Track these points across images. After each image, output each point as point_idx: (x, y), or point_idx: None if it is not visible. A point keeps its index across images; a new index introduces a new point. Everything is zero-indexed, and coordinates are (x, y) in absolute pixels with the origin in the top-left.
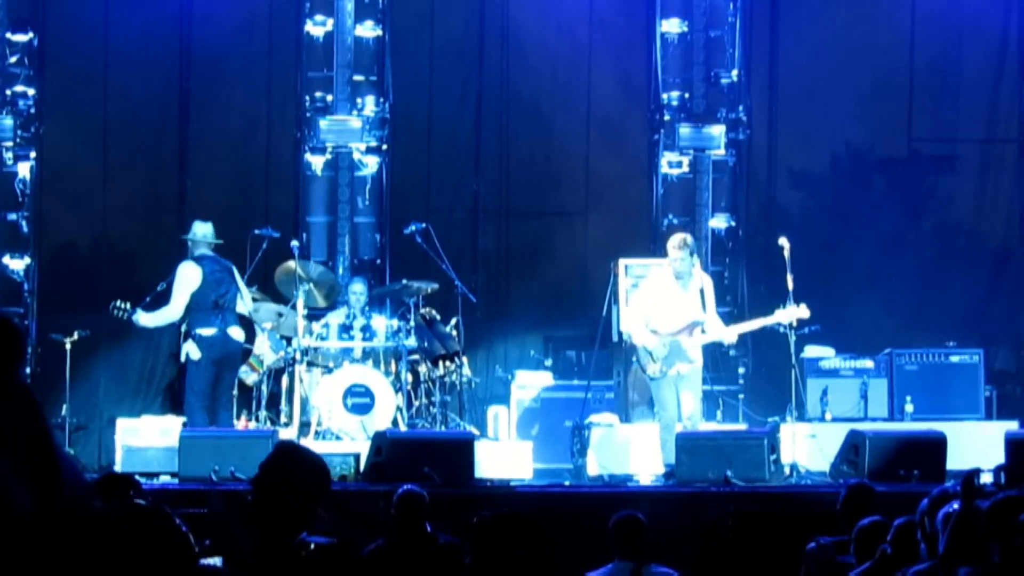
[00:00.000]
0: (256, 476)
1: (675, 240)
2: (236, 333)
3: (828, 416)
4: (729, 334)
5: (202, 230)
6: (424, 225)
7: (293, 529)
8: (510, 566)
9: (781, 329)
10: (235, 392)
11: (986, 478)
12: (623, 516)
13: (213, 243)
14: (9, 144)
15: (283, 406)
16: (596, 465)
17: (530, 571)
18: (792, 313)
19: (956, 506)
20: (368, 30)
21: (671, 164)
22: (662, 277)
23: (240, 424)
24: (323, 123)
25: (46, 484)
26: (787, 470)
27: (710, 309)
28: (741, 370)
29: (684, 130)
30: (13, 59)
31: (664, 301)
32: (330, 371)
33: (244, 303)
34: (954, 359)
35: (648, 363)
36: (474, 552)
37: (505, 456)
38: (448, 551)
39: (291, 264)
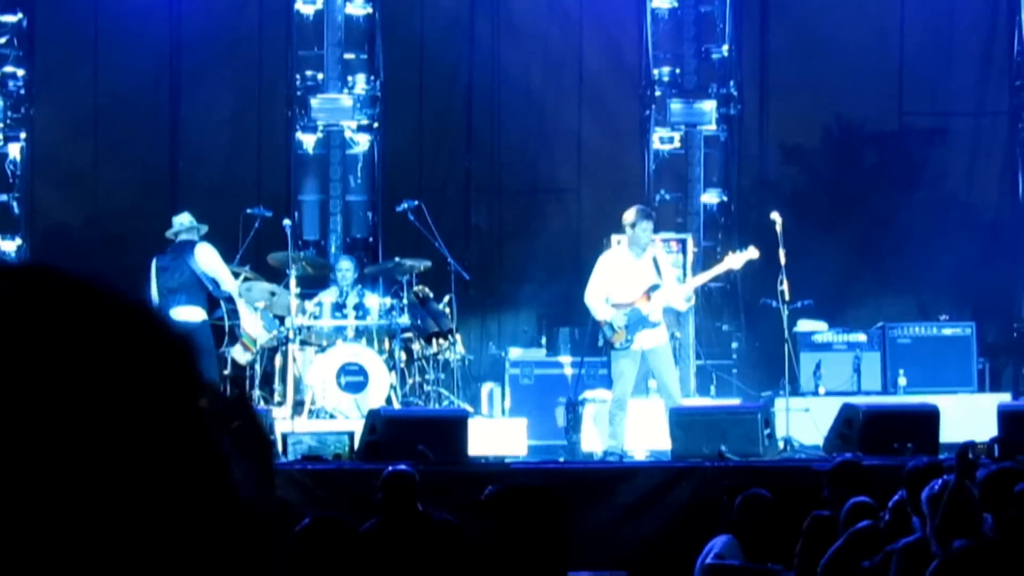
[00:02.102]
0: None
1: (636, 211)
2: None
3: (822, 390)
4: (685, 289)
5: (185, 220)
6: (416, 203)
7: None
8: (534, 539)
9: (774, 304)
10: (227, 371)
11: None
12: (751, 494)
13: (195, 228)
14: (0, 126)
15: (277, 385)
16: (590, 441)
17: (553, 543)
18: (742, 257)
19: (944, 480)
20: (358, 8)
21: (663, 140)
22: (616, 252)
23: None
24: (314, 102)
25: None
26: (781, 444)
27: (669, 274)
28: (734, 345)
29: (675, 106)
30: (2, 40)
31: (620, 274)
32: (323, 350)
33: (225, 283)
34: (947, 332)
35: (612, 334)
36: (497, 528)
37: (499, 433)
38: (443, 529)
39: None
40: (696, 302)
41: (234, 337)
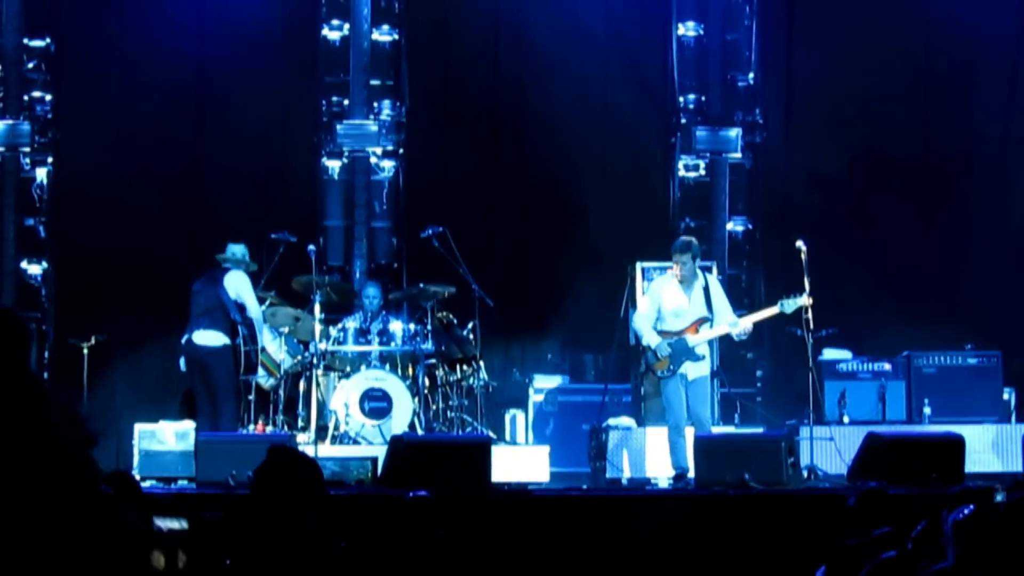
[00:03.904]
0: (253, 477)
1: (679, 246)
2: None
3: (846, 419)
4: (742, 326)
5: (239, 251)
6: (441, 229)
7: (288, 529)
8: None
9: (799, 332)
10: (251, 396)
11: None
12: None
13: (244, 262)
14: (26, 149)
15: (300, 410)
16: (614, 468)
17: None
18: (796, 303)
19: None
20: (384, 34)
21: (688, 167)
22: (666, 280)
23: (257, 428)
24: (340, 127)
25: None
26: (805, 473)
27: (722, 304)
28: (759, 373)
29: (701, 133)
30: (30, 65)
31: (669, 301)
32: (347, 375)
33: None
34: (972, 361)
35: (655, 362)
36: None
37: (522, 460)
38: (461, 556)
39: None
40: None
41: (250, 364)
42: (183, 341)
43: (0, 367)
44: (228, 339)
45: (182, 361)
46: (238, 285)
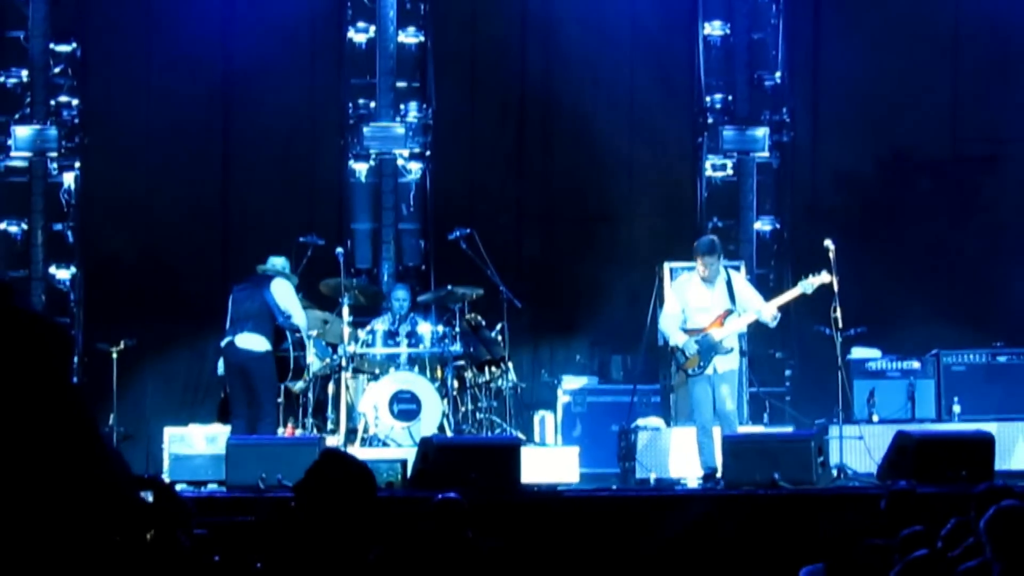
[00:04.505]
0: (300, 482)
1: (699, 246)
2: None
3: (875, 418)
4: (768, 311)
5: (279, 263)
6: (468, 230)
7: (338, 536)
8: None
9: (827, 331)
10: (280, 399)
11: None
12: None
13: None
14: (54, 155)
15: (330, 413)
16: (643, 469)
17: None
18: (814, 281)
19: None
20: (410, 36)
21: (715, 167)
22: (689, 277)
23: (287, 432)
24: (366, 130)
25: (91, 472)
26: (835, 472)
27: (747, 293)
28: (787, 372)
29: (728, 133)
30: (57, 69)
31: (692, 299)
32: (376, 378)
33: (296, 317)
34: (1002, 359)
35: (685, 361)
36: None
37: (551, 461)
38: (490, 557)
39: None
40: (748, 329)
41: (299, 369)
42: (223, 344)
43: (51, 381)
44: (271, 345)
45: (220, 364)
46: (284, 293)
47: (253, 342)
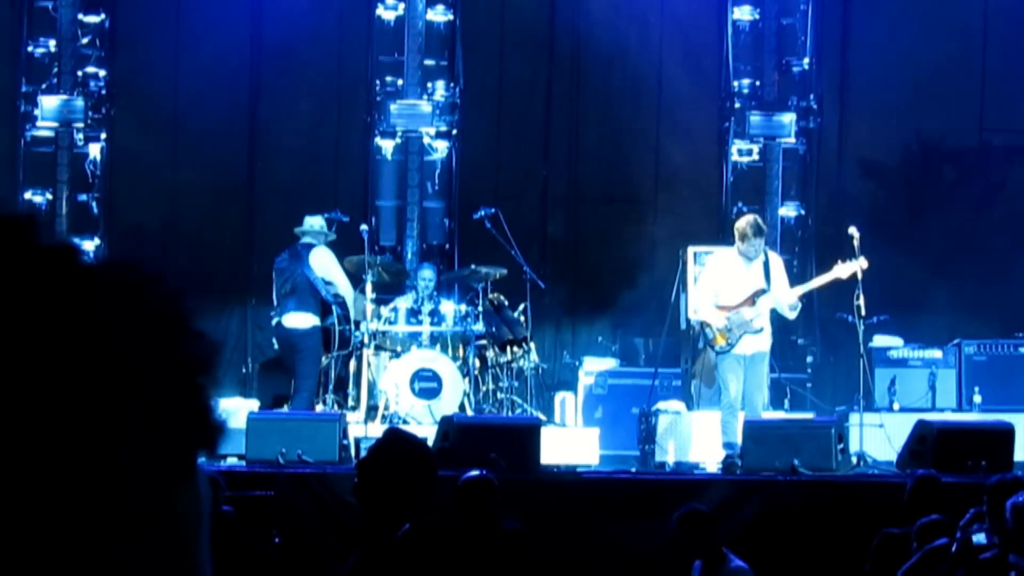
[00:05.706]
0: (363, 459)
1: (749, 227)
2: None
3: (896, 406)
4: (792, 296)
5: (316, 223)
6: (493, 210)
7: (398, 513)
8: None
9: (850, 319)
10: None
11: None
12: (686, 511)
13: (323, 233)
14: (80, 125)
15: (350, 390)
16: (663, 452)
17: None
18: (850, 267)
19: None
20: (439, 14)
21: (741, 152)
22: (726, 254)
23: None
24: (393, 107)
25: None
26: (854, 460)
27: (781, 280)
28: (809, 359)
29: (755, 118)
30: (85, 40)
31: (728, 276)
32: (398, 355)
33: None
34: (1023, 350)
35: (713, 337)
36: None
37: (572, 442)
38: (511, 537)
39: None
40: (771, 315)
41: (344, 341)
42: (273, 324)
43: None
44: (318, 319)
45: (275, 342)
46: (324, 262)
47: (299, 320)
